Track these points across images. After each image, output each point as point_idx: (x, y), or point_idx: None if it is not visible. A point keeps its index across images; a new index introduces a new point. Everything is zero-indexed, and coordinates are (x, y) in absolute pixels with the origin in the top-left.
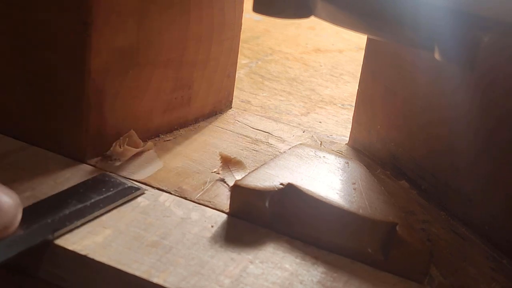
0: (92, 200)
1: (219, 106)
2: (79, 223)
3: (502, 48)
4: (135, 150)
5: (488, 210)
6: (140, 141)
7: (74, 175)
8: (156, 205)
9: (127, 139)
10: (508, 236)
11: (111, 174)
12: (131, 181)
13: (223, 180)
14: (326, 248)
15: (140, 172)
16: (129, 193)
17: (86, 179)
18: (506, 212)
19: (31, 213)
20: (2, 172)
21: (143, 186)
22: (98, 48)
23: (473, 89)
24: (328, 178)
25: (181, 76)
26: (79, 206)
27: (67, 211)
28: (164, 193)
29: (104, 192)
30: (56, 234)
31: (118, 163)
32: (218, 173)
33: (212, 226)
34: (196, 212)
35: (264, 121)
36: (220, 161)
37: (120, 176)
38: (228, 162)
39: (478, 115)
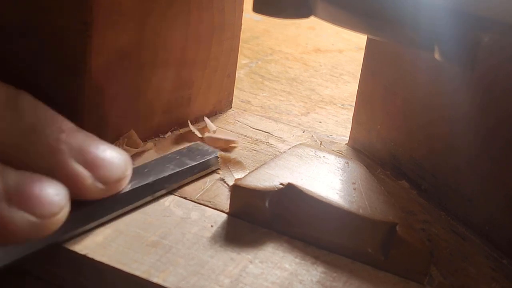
0: (188, 166)
1: (219, 106)
2: (176, 186)
3: (502, 48)
4: (134, 150)
5: (488, 210)
6: (140, 141)
7: None
8: (155, 204)
9: (126, 139)
10: (508, 236)
11: (203, 144)
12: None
13: (223, 180)
14: (326, 248)
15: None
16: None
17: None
18: (506, 212)
19: (135, 174)
20: None
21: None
22: (98, 48)
23: (473, 89)
24: (328, 178)
25: (181, 76)
26: (177, 170)
27: (166, 174)
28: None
29: (199, 158)
30: (156, 194)
31: None
32: (218, 173)
33: (211, 226)
34: (196, 212)
35: (264, 121)
36: (220, 162)
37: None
38: (228, 163)
39: (478, 115)
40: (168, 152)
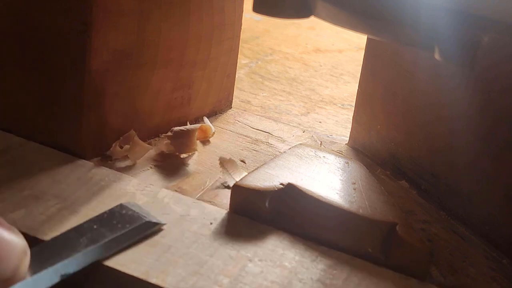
0: (106, 240)
1: (219, 106)
2: (88, 265)
3: (501, 47)
4: (147, 148)
5: (488, 210)
6: (142, 144)
7: (73, 172)
8: (155, 201)
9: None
10: (508, 236)
11: (127, 205)
12: (148, 214)
13: (223, 180)
14: (326, 247)
15: (139, 172)
16: (146, 229)
17: (86, 184)
18: (506, 212)
19: (39, 255)
20: (1, 170)
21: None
22: (98, 48)
23: (472, 89)
24: (328, 178)
25: (181, 76)
26: (91, 247)
27: (76, 254)
28: (163, 190)
29: (120, 229)
30: (64, 277)
31: (118, 163)
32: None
33: (211, 223)
34: (195, 209)
35: (264, 121)
36: (219, 163)
37: (137, 208)
38: (226, 164)
39: (478, 114)
40: (86, 219)
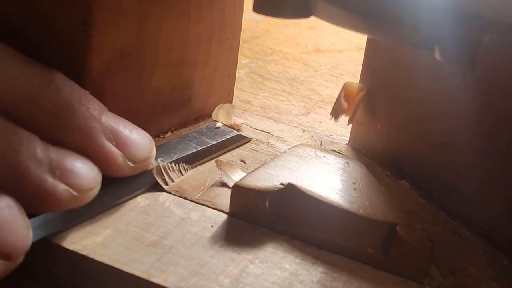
0: (208, 145)
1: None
2: (197, 164)
3: (502, 47)
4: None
5: (488, 210)
6: None
7: None
8: (156, 205)
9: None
10: (508, 236)
11: (220, 123)
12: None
13: (222, 181)
14: (326, 247)
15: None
16: (239, 139)
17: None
18: (507, 212)
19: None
20: None
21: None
22: (98, 48)
23: (473, 89)
24: (328, 178)
25: (181, 76)
26: (199, 149)
27: (188, 152)
28: (164, 193)
29: (218, 138)
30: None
31: None
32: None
33: (212, 226)
34: (196, 212)
35: (264, 121)
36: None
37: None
38: (223, 166)
39: (479, 115)
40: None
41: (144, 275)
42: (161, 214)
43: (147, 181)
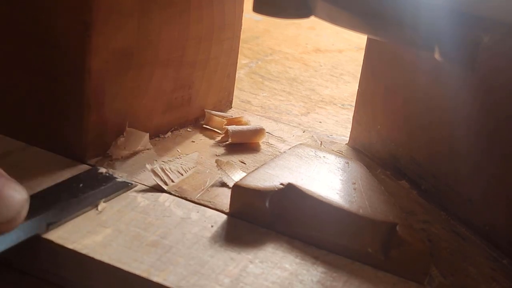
0: (85, 194)
1: (219, 106)
2: (72, 217)
3: (504, 50)
4: (142, 134)
5: (488, 211)
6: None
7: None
8: (156, 205)
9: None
10: (508, 237)
11: (102, 168)
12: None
13: (222, 181)
14: (326, 247)
15: (139, 171)
16: (121, 188)
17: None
18: (507, 212)
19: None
20: None
21: (143, 186)
22: (98, 48)
23: (474, 90)
24: (328, 178)
25: (181, 76)
26: (72, 199)
27: (60, 205)
28: (164, 193)
29: (97, 186)
30: (51, 227)
31: (117, 163)
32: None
33: (212, 226)
34: (196, 212)
35: (264, 121)
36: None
37: (114, 172)
38: (223, 166)
39: (479, 115)
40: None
41: (144, 274)
42: (161, 214)
43: (13, 240)
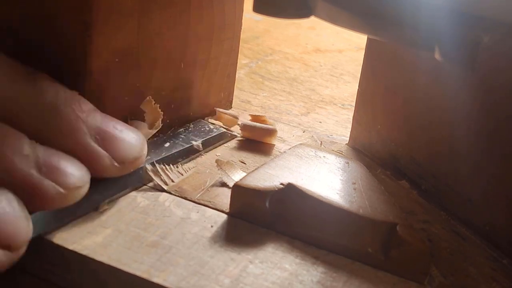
0: (195, 142)
1: (219, 106)
2: (185, 161)
3: (504, 50)
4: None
5: (488, 211)
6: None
7: None
8: (156, 205)
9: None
10: (508, 237)
11: (206, 122)
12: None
13: (222, 181)
14: (326, 247)
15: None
16: (225, 137)
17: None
18: (507, 212)
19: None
20: None
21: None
22: (98, 48)
23: (474, 90)
24: (328, 178)
25: (181, 76)
26: (185, 146)
27: (174, 151)
28: (164, 193)
29: (204, 135)
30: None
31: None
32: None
33: (212, 226)
34: (196, 212)
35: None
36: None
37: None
38: (223, 166)
39: (479, 115)
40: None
41: (144, 275)
42: (161, 214)
43: (136, 180)
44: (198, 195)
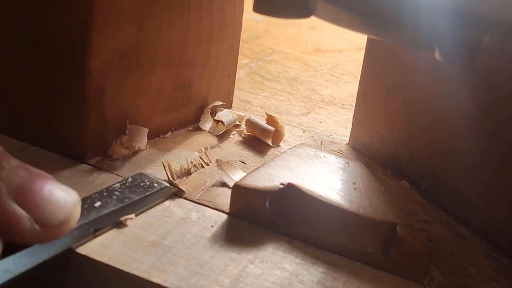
0: (130, 201)
1: (219, 106)
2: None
3: (503, 49)
4: (144, 130)
5: (488, 211)
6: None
7: (74, 175)
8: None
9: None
10: (508, 237)
11: (147, 174)
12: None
13: (223, 181)
14: (326, 247)
15: (139, 172)
16: (168, 192)
17: (90, 182)
18: (507, 212)
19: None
20: None
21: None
22: (98, 48)
23: (474, 90)
24: (328, 178)
25: (181, 76)
26: (119, 206)
27: (107, 211)
28: None
29: (142, 192)
30: (97, 233)
31: (118, 163)
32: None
33: (212, 226)
34: (196, 212)
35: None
36: (216, 165)
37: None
38: (224, 165)
39: (479, 115)
40: (111, 184)
41: (144, 275)
42: (161, 214)
43: (59, 247)
44: (198, 195)
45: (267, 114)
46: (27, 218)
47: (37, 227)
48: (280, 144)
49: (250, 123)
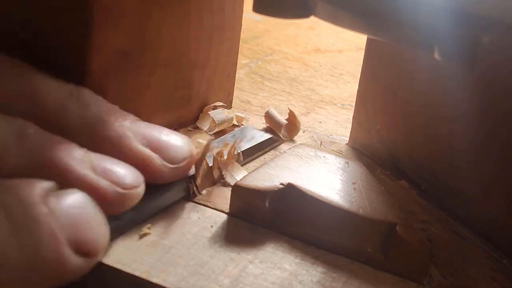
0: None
1: (219, 106)
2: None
3: (502, 47)
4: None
5: (488, 210)
6: None
7: None
8: None
9: None
10: (508, 236)
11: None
12: None
13: (223, 181)
14: (326, 247)
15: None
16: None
17: None
18: (507, 212)
19: None
20: None
21: None
22: (98, 49)
23: (473, 89)
24: (328, 178)
25: (181, 76)
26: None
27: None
28: None
29: (253, 141)
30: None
31: None
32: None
33: (211, 226)
34: (196, 212)
35: (264, 121)
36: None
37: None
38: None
39: (478, 114)
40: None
41: (143, 275)
42: (161, 214)
43: (182, 191)
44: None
45: (289, 109)
46: (157, 158)
47: (166, 163)
48: (280, 144)
49: (268, 115)
